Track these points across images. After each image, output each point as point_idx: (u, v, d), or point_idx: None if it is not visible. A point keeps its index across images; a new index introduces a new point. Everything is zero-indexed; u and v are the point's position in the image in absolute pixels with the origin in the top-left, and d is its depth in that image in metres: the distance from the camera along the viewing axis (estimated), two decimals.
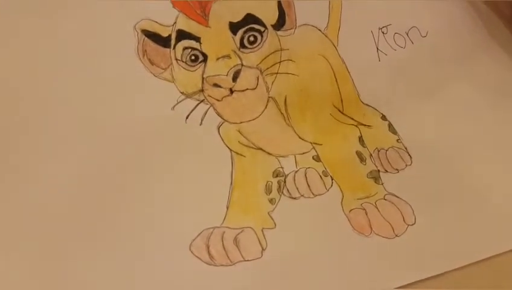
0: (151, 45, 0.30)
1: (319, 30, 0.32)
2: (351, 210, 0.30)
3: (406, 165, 0.31)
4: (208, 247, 0.28)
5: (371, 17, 0.33)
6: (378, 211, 0.30)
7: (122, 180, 0.29)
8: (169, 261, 0.28)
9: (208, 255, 0.28)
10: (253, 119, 0.31)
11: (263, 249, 0.28)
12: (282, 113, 0.31)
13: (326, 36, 0.32)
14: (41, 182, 0.28)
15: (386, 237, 0.29)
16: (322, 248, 0.29)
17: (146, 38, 0.30)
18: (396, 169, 0.31)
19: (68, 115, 0.29)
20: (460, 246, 0.29)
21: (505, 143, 0.32)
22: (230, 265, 0.28)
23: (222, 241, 0.28)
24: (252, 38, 0.30)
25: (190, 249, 0.28)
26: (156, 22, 0.30)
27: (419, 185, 0.30)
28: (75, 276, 0.27)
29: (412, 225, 0.29)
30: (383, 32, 0.33)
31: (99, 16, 0.31)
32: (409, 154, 0.31)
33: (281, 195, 0.30)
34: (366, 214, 0.29)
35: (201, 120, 0.30)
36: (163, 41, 0.30)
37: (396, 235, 0.29)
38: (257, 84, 0.31)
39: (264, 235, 0.29)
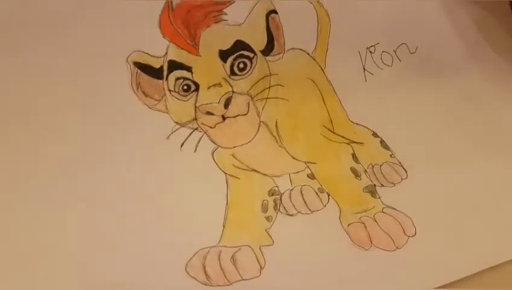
0: (145, 77, 0.30)
1: (307, 54, 0.33)
2: (349, 224, 0.29)
3: (402, 179, 0.30)
4: (204, 267, 0.27)
5: (358, 36, 0.33)
6: (377, 224, 0.29)
7: (121, 204, 0.29)
8: (164, 282, 0.27)
9: (204, 275, 0.27)
10: (246, 143, 0.31)
11: (261, 268, 0.27)
12: (274, 136, 0.31)
13: (314, 59, 0.33)
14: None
15: (387, 250, 0.28)
16: (322, 263, 0.28)
17: (139, 70, 0.30)
18: (393, 183, 0.30)
19: (64, 149, 0.29)
20: (463, 256, 0.28)
21: (499, 151, 0.32)
22: (228, 285, 0.27)
23: (219, 260, 0.27)
24: (241, 65, 0.31)
25: (186, 270, 0.27)
26: (147, 53, 0.30)
27: (417, 198, 0.30)
28: None
29: (413, 236, 0.28)
30: (370, 52, 0.33)
31: (92, 49, 0.31)
32: (404, 169, 0.31)
33: (277, 212, 0.29)
34: (365, 228, 0.29)
35: (196, 147, 0.31)
36: (155, 73, 0.30)
37: (397, 248, 0.28)
38: (248, 109, 0.31)
39: (262, 253, 0.28)
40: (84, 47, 0.31)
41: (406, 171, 0.31)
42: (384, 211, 0.29)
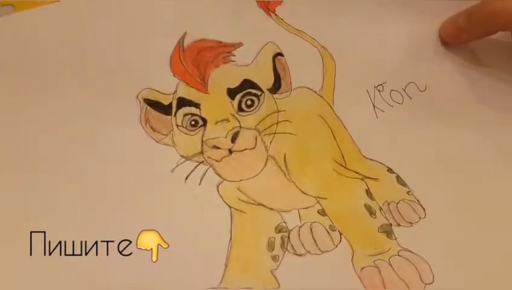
0: (153, 113, 0.30)
1: (314, 91, 0.32)
2: (362, 268, 0.26)
3: (420, 218, 0.28)
4: None
5: (365, 76, 0.33)
6: (393, 268, 0.26)
7: (120, 234, 0.27)
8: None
9: None
10: (253, 177, 0.29)
11: None
12: (282, 170, 0.30)
13: (321, 97, 0.32)
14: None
15: None
16: None
17: (148, 107, 0.30)
18: (410, 222, 0.28)
19: (73, 178, 0.29)
20: None
21: None
22: None
23: None
24: (249, 102, 0.30)
25: None
26: (158, 90, 0.31)
27: (436, 239, 0.27)
28: None
29: (430, 283, 0.26)
30: (378, 90, 0.32)
31: (103, 85, 0.31)
32: (422, 207, 0.28)
33: (284, 252, 0.27)
34: (380, 273, 0.26)
35: (201, 180, 0.29)
36: (164, 109, 0.30)
37: None
38: (255, 144, 0.30)
39: None
40: (96, 83, 0.31)
41: (424, 209, 0.29)
42: (400, 254, 0.27)
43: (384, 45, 0.34)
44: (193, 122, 0.30)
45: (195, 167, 0.29)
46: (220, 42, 0.32)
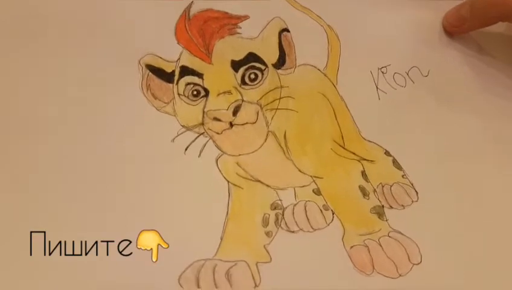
0: (155, 80, 0.30)
1: (318, 70, 0.32)
2: (352, 246, 0.27)
3: (412, 201, 0.29)
4: (197, 280, 0.26)
5: (370, 57, 0.33)
6: (382, 248, 0.27)
7: (119, 203, 0.28)
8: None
9: (196, 289, 0.26)
10: (252, 152, 0.30)
11: (256, 285, 0.26)
12: (281, 147, 0.30)
13: (325, 75, 0.32)
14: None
15: (389, 277, 0.26)
16: (319, 286, 0.26)
17: (150, 73, 0.30)
18: (402, 205, 0.28)
19: (72, 144, 0.29)
20: (469, 287, 0.27)
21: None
22: None
23: (213, 274, 0.26)
24: (252, 76, 0.30)
25: (179, 281, 0.26)
26: (160, 57, 0.30)
27: (427, 222, 0.28)
28: None
29: (418, 264, 0.27)
30: (382, 72, 0.32)
31: (106, 50, 0.31)
32: (415, 190, 0.29)
33: (278, 228, 0.28)
34: (369, 252, 0.27)
35: (200, 152, 0.29)
36: (166, 77, 0.30)
37: (400, 275, 0.26)
38: (257, 118, 0.30)
39: (258, 270, 0.26)
40: (99, 47, 0.31)
41: (417, 193, 0.29)
42: (390, 235, 0.28)
43: (390, 28, 0.34)
44: (195, 92, 0.30)
45: (196, 139, 0.29)
46: (227, 13, 0.32)
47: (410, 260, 0.27)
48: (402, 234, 0.28)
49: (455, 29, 0.34)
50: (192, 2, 0.32)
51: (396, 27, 0.34)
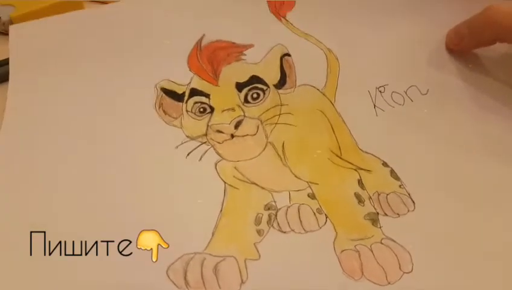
0: (167, 100, 0.33)
1: (317, 89, 0.34)
2: (343, 251, 0.27)
3: (408, 211, 0.28)
4: (185, 272, 0.26)
5: (367, 77, 0.34)
6: (373, 254, 0.26)
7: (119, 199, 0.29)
8: (143, 282, 0.26)
9: (183, 281, 0.25)
10: (250, 159, 0.31)
11: (242, 282, 0.26)
12: (279, 155, 0.31)
13: (324, 94, 0.34)
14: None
15: (377, 284, 0.25)
16: (306, 286, 0.26)
17: (163, 94, 0.33)
18: (397, 213, 0.28)
19: (74, 145, 0.31)
20: None
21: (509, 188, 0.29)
22: None
23: (201, 268, 0.26)
24: (255, 95, 0.33)
25: (167, 272, 0.26)
26: (174, 81, 0.33)
27: (421, 232, 0.27)
28: None
29: (409, 272, 0.26)
30: (380, 91, 0.34)
31: (127, 75, 0.34)
32: (412, 200, 0.29)
33: (270, 227, 0.28)
34: (359, 257, 0.26)
35: (201, 157, 0.31)
36: (177, 97, 0.33)
37: (389, 283, 0.25)
38: (257, 131, 0.32)
39: (246, 267, 0.26)
40: (123, 72, 0.34)
41: (414, 203, 0.29)
42: (382, 241, 0.27)
43: (388, 48, 0.36)
44: (202, 109, 0.32)
45: (198, 146, 0.31)
46: (233, 43, 0.35)
47: (401, 268, 0.26)
48: (395, 241, 0.27)
49: (454, 46, 0.35)
50: (203, 35, 0.35)
51: (394, 47, 0.36)
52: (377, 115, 0.33)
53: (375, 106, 0.33)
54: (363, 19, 0.37)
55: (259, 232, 0.28)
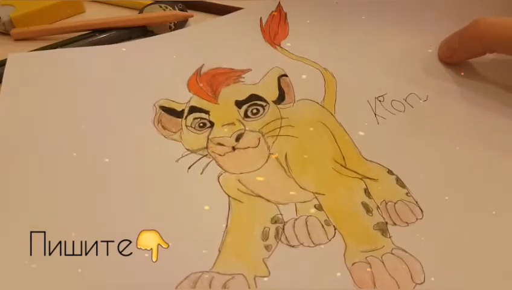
0: (166, 116, 0.33)
1: (316, 102, 0.34)
2: (354, 263, 0.26)
3: (417, 219, 0.28)
4: None
5: (365, 89, 0.35)
6: (384, 266, 0.26)
7: (119, 214, 0.28)
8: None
9: None
10: (253, 171, 0.30)
11: None
12: (282, 166, 0.30)
13: (323, 107, 0.34)
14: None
15: None
16: None
17: (162, 111, 0.33)
18: (406, 222, 0.27)
19: (75, 147, 0.31)
20: None
21: None
22: None
23: (210, 287, 0.26)
24: (255, 111, 0.33)
25: None
26: (173, 100, 0.33)
27: (431, 241, 0.26)
28: None
29: (421, 283, 0.25)
30: (379, 101, 0.34)
31: (128, 94, 0.34)
32: (420, 208, 0.28)
33: (278, 242, 0.27)
34: (370, 269, 0.26)
35: (203, 170, 0.30)
36: (176, 114, 0.33)
37: None
38: (258, 144, 0.31)
39: (256, 284, 0.26)
40: (126, 92, 0.35)
41: (422, 211, 0.29)
42: (393, 252, 0.27)
43: (384, 60, 0.36)
44: (201, 124, 0.32)
45: (199, 159, 0.31)
46: (232, 69, 0.36)
47: (413, 280, 0.26)
48: (405, 251, 0.27)
49: (447, 60, 0.36)
50: (203, 64, 0.36)
51: (390, 58, 0.37)
52: (378, 124, 0.33)
53: (375, 114, 0.33)
54: (355, 35, 0.38)
55: (267, 247, 0.27)
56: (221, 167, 0.30)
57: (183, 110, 0.33)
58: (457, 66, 0.36)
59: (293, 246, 0.27)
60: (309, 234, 0.27)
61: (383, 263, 0.26)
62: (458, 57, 0.35)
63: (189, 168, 0.30)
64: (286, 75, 0.35)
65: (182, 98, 0.33)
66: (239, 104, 0.33)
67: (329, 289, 0.26)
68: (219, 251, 0.27)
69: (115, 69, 0.36)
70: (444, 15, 0.38)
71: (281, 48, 0.37)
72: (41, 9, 0.41)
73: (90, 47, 0.38)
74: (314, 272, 0.26)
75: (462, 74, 0.35)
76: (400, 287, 0.25)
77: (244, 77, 0.35)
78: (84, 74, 0.35)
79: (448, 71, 0.36)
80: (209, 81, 0.34)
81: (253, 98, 0.33)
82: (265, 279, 0.26)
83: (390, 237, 0.27)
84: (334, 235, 0.27)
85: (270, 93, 0.34)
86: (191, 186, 0.29)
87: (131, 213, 0.28)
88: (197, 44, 0.38)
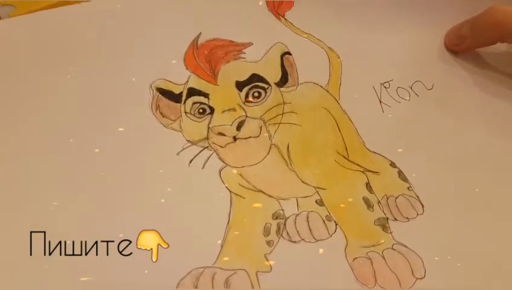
0: (164, 101, 0.31)
1: (320, 86, 0.33)
2: (355, 259, 0.26)
3: (418, 214, 0.28)
4: (196, 288, 0.26)
5: (371, 74, 0.33)
6: (385, 261, 0.26)
7: (120, 211, 0.28)
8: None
9: None
10: (255, 164, 0.30)
11: None
12: (284, 158, 0.30)
13: (327, 91, 0.32)
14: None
15: None
16: None
17: (160, 95, 0.32)
18: (407, 218, 0.28)
19: (75, 146, 0.30)
20: None
21: None
22: None
23: (212, 283, 0.26)
24: (256, 94, 0.31)
25: (177, 289, 0.26)
26: (170, 81, 0.32)
27: (432, 236, 0.27)
28: None
29: (421, 278, 0.26)
30: (385, 87, 0.33)
31: (120, 73, 0.33)
32: (421, 203, 0.28)
33: (279, 237, 0.27)
34: (372, 264, 0.26)
35: (204, 164, 0.30)
36: (174, 98, 0.31)
37: (403, 289, 0.26)
38: (260, 132, 0.30)
39: (257, 280, 0.26)
40: (115, 71, 0.33)
41: (423, 206, 0.29)
42: (394, 247, 0.27)
43: (391, 47, 0.35)
44: (201, 110, 0.31)
45: (200, 152, 0.30)
46: (232, 41, 0.34)
47: (414, 274, 0.26)
48: (406, 246, 0.27)
49: (455, 47, 0.34)
50: (200, 33, 0.34)
51: (398, 46, 0.35)
52: (383, 112, 0.32)
53: (380, 101, 0.32)
54: (363, 18, 0.36)
55: (269, 243, 0.27)
56: (222, 160, 0.30)
57: (181, 93, 0.31)
58: (463, 54, 0.35)
59: (294, 242, 0.27)
60: (310, 229, 0.27)
61: (383, 258, 0.26)
62: (468, 45, 0.34)
63: (190, 162, 0.30)
64: (289, 53, 0.33)
65: (179, 78, 0.32)
66: (239, 85, 0.32)
67: (330, 284, 0.26)
68: (221, 247, 0.27)
69: (104, 35, 0.35)
70: (453, 3, 0.37)
71: (285, 19, 0.35)
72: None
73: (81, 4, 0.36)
74: (316, 267, 0.26)
75: (468, 63, 0.35)
76: (401, 282, 0.26)
77: (245, 52, 0.33)
78: (74, 42, 0.34)
79: (455, 60, 0.35)
80: (207, 57, 0.33)
81: (255, 78, 0.32)
82: (267, 274, 0.26)
83: (391, 233, 0.27)
84: (335, 231, 0.27)
85: (272, 73, 0.32)
86: (192, 181, 0.29)
87: (131, 213, 0.28)
88: (193, 9, 0.36)
